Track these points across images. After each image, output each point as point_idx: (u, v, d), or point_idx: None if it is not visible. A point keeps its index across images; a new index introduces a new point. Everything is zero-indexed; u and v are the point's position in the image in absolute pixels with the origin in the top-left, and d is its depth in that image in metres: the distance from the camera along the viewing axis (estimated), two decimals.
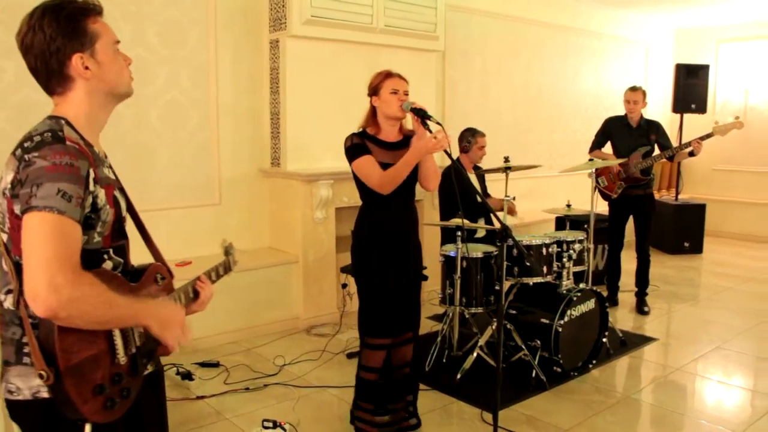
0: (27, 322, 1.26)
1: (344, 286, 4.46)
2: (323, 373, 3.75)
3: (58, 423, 1.30)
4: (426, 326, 4.50)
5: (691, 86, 7.33)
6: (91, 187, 1.29)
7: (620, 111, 5.10)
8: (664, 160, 4.92)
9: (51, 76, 1.35)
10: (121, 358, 1.35)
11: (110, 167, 1.46)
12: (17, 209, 1.24)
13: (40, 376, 1.22)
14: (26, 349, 1.30)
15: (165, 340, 1.39)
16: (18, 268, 1.28)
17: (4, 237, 1.32)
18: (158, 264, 1.56)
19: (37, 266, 1.17)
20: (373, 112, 2.77)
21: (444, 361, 3.82)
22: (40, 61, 1.33)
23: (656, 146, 4.90)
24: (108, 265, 1.39)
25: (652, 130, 4.85)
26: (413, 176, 2.77)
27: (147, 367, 1.46)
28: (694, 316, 4.96)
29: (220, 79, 4.47)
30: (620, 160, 4.81)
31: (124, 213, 1.49)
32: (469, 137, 4.33)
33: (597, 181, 4.99)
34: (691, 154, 4.75)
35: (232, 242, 1.99)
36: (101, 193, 1.34)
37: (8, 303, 1.32)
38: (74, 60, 1.34)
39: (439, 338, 3.88)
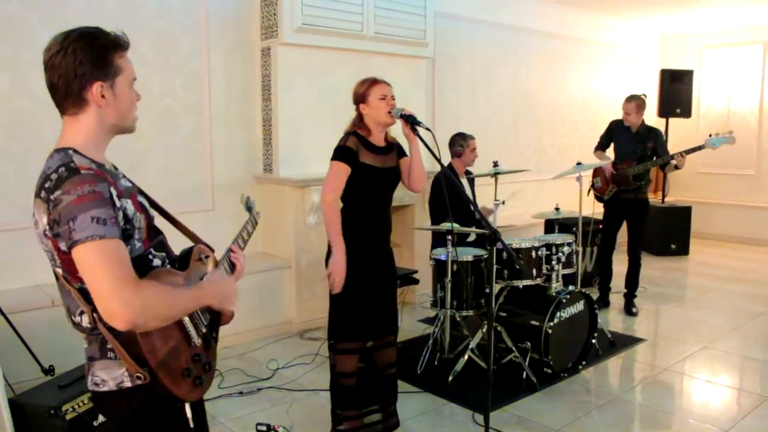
0: (109, 336, 1.38)
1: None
2: (316, 377, 3.74)
3: (145, 409, 1.43)
4: (417, 329, 4.52)
5: (675, 91, 7.41)
6: (118, 203, 1.37)
7: (608, 116, 5.14)
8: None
9: (69, 96, 1.40)
10: (196, 340, 1.51)
11: (124, 176, 1.53)
12: (63, 246, 1.32)
13: (138, 378, 1.37)
14: (109, 345, 1.41)
15: (225, 310, 1.57)
16: (83, 293, 1.37)
17: (60, 271, 1.40)
18: (199, 246, 1.66)
19: (104, 290, 1.26)
20: (359, 119, 2.77)
21: (435, 363, 3.82)
22: (62, 81, 1.39)
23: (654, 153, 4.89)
24: (156, 263, 1.49)
25: (650, 138, 4.85)
26: (393, 184, 2.78)
27: (217, 337, 1.62)
28: (682, 317, 4.99)
29: (213, 87, 4.47)
30: (604, 162, 4.84)
31: (152, 212, 1.57)
32: (461, 141, 4.35)
33: (593, 181, 5.04)
34: (676, 167, 4.76)
35: (250, 195, 2.00)
36: (128, 204, 1.42)
37: (85, 323, 1.42)
38: (95, 87, 1.40)
39: (430, 341, 3.89)
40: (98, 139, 1.45)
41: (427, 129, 2.53)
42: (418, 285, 4.45)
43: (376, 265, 2.77)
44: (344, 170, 2.68)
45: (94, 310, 1.34)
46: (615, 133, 5.02)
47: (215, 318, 1.62)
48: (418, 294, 5.18)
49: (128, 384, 1.41)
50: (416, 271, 4.31)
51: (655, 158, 4.77)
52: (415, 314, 4.98)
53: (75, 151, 1.39)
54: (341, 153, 2.70)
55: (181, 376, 1.43)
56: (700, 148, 4.66)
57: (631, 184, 4.84)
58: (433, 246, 4.23)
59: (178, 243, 1.70)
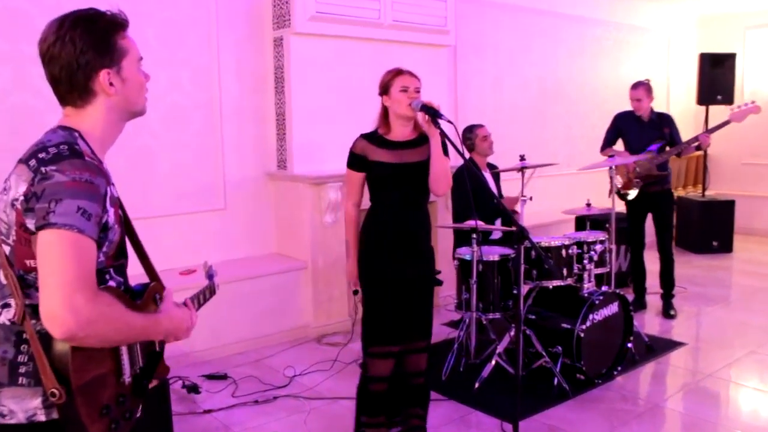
0: (34, 340, 1.26)
1: (355, 292, 4.44)
2: (335, 384, 3.74)
3: None
4: (441, 333, 4.49)
5: (716, 76, 7.25)
6: (107, 206, 1.31)
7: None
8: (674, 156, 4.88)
9: (74, 88, 1.35)
10: (127, 378, 1.38)
11: (113, 184, 1.46)
12: (30, 224, 1.24)
13: (52, 395, 1.23)
14: (21, 369, 1.29)
15: (180, 339, 1.51)
16: (21, 282, 1.29)
17: (6, 249, 1.31)
18: (155, 284, 1.56)
19: (56, 286, 1.17)
20: (385, 111, 2.78)
21: (461, 369, 3.80)
22: (65, 73, 1.33)
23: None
24: (111, 285, 1.40)
25: (664, 123, 4.81)
26: (424, 178, 2.76)
27: (148, 387, 1.48)
28: (726, 319, 4.90)
29: (222, 80, 4.50)
30: (636, 157, 4.77)
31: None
32: (468, 134, 4.33)
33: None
34: (698, 148, 4.70)
35: (212, 264, 2.01)
36: (111, 212, 1.35)
37: (4, 318, 1.31)
38: (101, 76, 1.35)
39: (455, 346, 3.86)
40: (106, 132, 1.40)
41: (449, 122, 2.51)
42: (441, 286, 4.42)
43: (403, 265, 2.76)
44: (355, 177, 2.80)
45: (26, 306, 1.26)
46: (623, 126, 4.97)
47: (151, 365, 1.50)
48: (442, 296, 5.16)
49: (42, 418, 1.28)
50: (440, 272, 4.29)
51: (675, 144, 4.71)
52: (438, 317, 4.95)
53: (81, 135, 1.34)
54: (350, 160, 2.81)
55: (98, 411, 1.28)
56: (725, 123, 4.61)
57: (656, 175, 4.77)
58: (457, 245, 4.21)
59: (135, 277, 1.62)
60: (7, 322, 1.31)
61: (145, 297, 1.50)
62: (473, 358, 3.85)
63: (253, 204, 4.71)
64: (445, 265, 4.41)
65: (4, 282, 1.32)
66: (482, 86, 6.14)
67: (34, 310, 1.26)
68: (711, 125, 6.95)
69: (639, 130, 4.86)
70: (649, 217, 4.99)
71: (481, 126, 4.37)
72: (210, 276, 1.96)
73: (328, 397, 3.58)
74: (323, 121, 4.67)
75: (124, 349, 1.37)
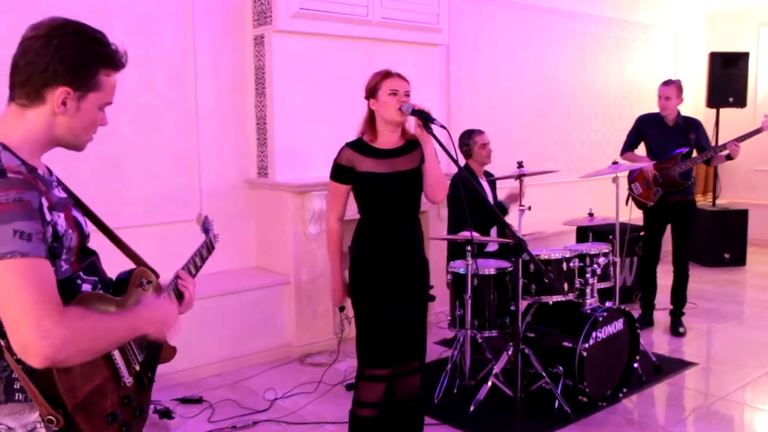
0: (18, 369, 1.30)
1: (341, 309, 4.46)
2: (320, 408, 3.75)
3: None
4: (434, 352, 4.51)
5: (728, 77, 7.33)
6: (48, 217, 1.31)
7: (647, 107, 5.12)
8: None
9: (26, 85, 1.36)
10: (127, 379, 1.44)
11: (59, 183, 1.47)
12: None
13: (50, 421, 1.27)
14: (17, 385, 1.33)
15: (167, 339, 1.52)
16: None
17: None
18: (141, 268, 1.61)
19: (19, 319, 1.20)
20: (371, 116, 2.80)
21: (455, 391, 3.82)
22: (27, 67, 1.35)
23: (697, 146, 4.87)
24: (85, 288, 1.43)
25: (691, 129, 4.85)
26: (418, 187, 2.80)
27: (153, 378, 1.56)
28: (739, 337, 4.95)
29: (199, 80, 4.52)
30: (646, 163, 4.82)
31: (88, 230, 1.51)
32: (467, 140, 4.38)
33: (631, 188, 5.01)
34: (729, 157, 4.75)
35: (208, 215, 1.99)
36: (60, 219, 1.36)
37: None
38: (59, 90, 1.36)
39: (449, 366, 3.89)
40: (38, 143, 1.40)
41: (443, 127, 2.55)
42: (433, 302, 4.44)
43: (394, 280, 2.79)
44: (339, 189, 2.82)
45: (2, 336, 1.28)
46: (646, 129, 5.02)
47: (153, 355, 1.56)
48: (433, 312, 5.18)
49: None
50: (432, 287, 4.31)
51: (703, 151, 4.74)
52: (430, 335, 4.95)
53: (5, 147, 1.33)
54: (333, 171, 2.83)
55: (104, 421, 1.35)
56: (757, 131, 4.65)
57: (679, 184, 4.82)
58: (450, 258, 4.24)
59: (119, 264, 1.65)
60: None
61: (129, 286, 1.54)
62: (468, 379, 3.87)
63: (232, 214, 4.72)
64: (435, 279, 4.43)
65: None
66: (476, 88, 6.20)
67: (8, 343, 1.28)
68: (722, 129, 7.12)
69: (662, 134, 4.90)
70: (668, 228, 5.04)
71: (480, 132, 4.42)
72: (206, 229, 1.96)
73: (312, 421, 3.59)
74: (307, 125, 4.70)
75: (116, 353, 1.42)
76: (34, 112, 1.38)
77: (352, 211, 4.71)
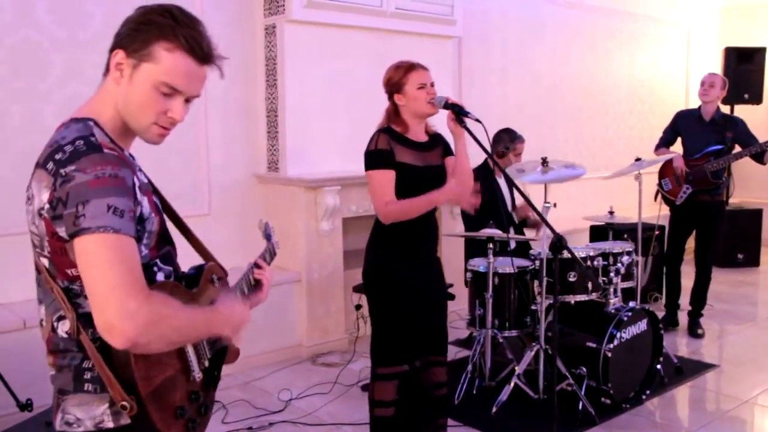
0: (93, 352, 1.29)
1: (358, 307, 4.47)
2: (336, 409, 3.76)
3: None
4: (450, 353, 4.51)
5: (743, 73, 7.36)
6: (138, 197, 1.33)
7: (660, 104, 5.13)
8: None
9: (110, 51, 1.39)
10: (197, 374, 1.43)
11: (141, 169, 1.48)
12: (62, 232, 1.26)
13: (123, 407, 1.26)
14: (87, 375, 1.33)
15: (237, 342, 1.54)
16: (68, 293, 1.32)
17: (45, 262, 1.33)
18: (211, 264, 1.60)
19: (105, 296, 1.19)
20: (394, 109, 2.80)
21: (475, 392, 3.83)
22: (119, 31, 1.39)
23: (734, 146, 4.85)
24: (160, 277, 1.43)
25: (728, 127, 4.83)
26: (438, 185, 2.79)
27: (219, 377, 1.57)
28: (756, 339, 4.99)
29: (208, 72, 4.47)
30: (669, 155, 4.81)
31: (164, 217, 1.52)
32: (508, 143, 4.37)
33: (660, 184, 5.02)
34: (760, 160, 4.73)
35: (269, 222, 2.01)
36: (145, 202, 1.37)
37: (61, 331, 1.34)
38: (115, 53, 1.37)
39: (468, 366, 3.89)
40: (116, 121, 1.40)
41: (477, 120, 2.55)
42: (452, 301, 4.45)
43: (418, 277, 2.80)
44: (389, 176, 2.69)
45: (79, 317, 1.30)
46: (682, 125, 5.02)
47: (219, 354, 1.56)
48: (451, 311, 5.17)
49: (110, 424, 1.33)
50: (451, 285, 4.32)
51: (745, 149, 4.71)
52: (448, 336, 4.97)
53: (96, 123, 1.35)
54: (376, 158, 2.70)
55: (173, 415, 1.34)
56: None
57: (710, 183, 4.81)
58: (468, 255, 4.24)
59: (184, 259, 1.65)
60: (65, 335, 1.35)
61: (201, 282, 1.53)
62: (489, 379, 3.88)
63: (241, 209, 4.70)
64: (452, 277, 4.44)
65: (54, 296, 1.33)
66: (487, 81, 6.21)
67: (87, 319, 1.28)
68: None
69: (697, 130, 4.90)
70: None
71: (522, 141, 4.46)
72: (268, 236, 1.95)
73: (329, 422, 3.59)
74: (320, 118, 4.68)
75: (189, 346, 1.42)
76: (106, 81, 1.41)
77: (363, 208, 4.75)
